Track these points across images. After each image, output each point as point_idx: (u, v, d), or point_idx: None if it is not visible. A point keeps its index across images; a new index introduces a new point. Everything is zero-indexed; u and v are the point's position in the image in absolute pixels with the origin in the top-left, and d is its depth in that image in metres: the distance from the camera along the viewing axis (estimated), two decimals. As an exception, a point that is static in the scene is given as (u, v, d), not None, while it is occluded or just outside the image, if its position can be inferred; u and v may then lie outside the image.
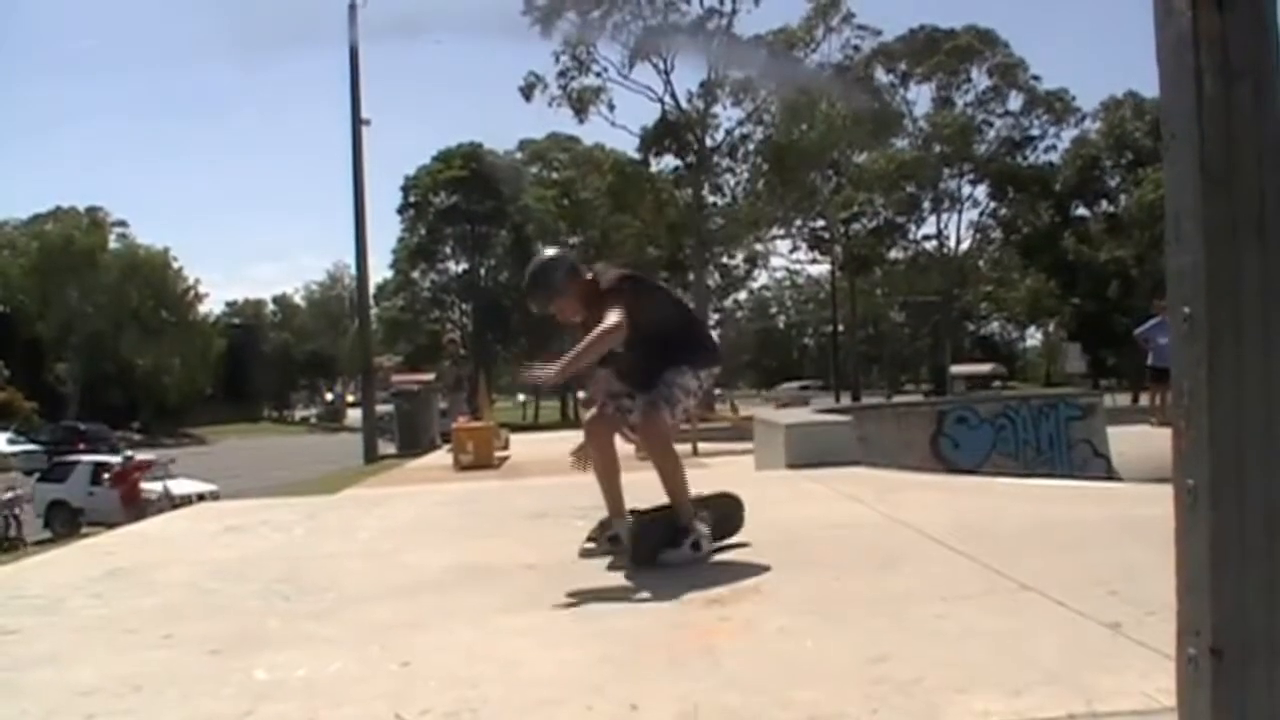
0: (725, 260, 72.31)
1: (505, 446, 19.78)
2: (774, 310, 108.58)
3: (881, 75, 67.16)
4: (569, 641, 4.10)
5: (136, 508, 22.40)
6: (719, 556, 5.65)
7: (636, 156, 59.94)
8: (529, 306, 5.99)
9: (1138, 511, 6.30)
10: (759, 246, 71.70)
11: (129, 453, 25.17)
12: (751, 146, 59.95)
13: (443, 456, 19.70)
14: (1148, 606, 3.82)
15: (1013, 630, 3.91)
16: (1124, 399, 52.58)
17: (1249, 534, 1.84)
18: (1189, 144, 1.80)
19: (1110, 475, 15.14)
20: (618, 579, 5.31)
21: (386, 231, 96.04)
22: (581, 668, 3.71)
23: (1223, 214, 1.78)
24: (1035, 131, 70.82)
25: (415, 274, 76.08)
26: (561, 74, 56.50)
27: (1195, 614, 1.88)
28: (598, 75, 56.69)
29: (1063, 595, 4.29)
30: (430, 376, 31.83)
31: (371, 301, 50.25)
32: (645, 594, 4.87)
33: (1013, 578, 4.70)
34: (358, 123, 35.08)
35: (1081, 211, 72.32)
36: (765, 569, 5.22)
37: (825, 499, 8.03)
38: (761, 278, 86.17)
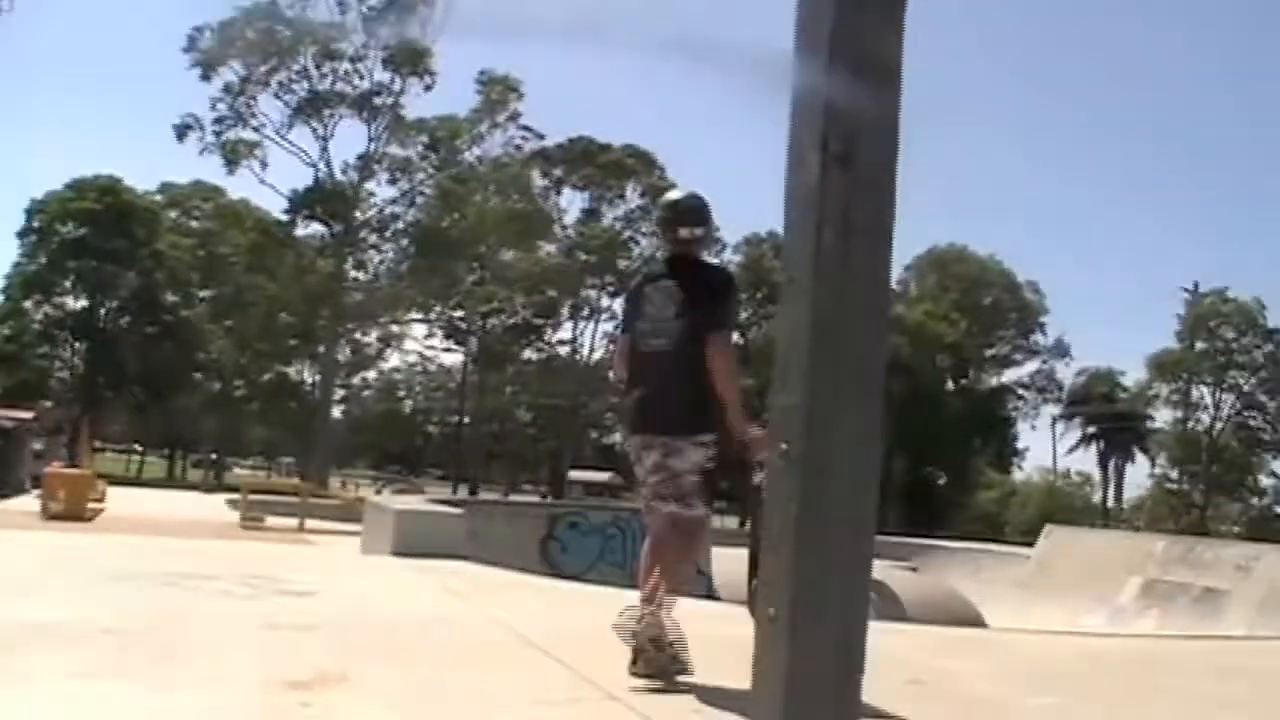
0: (359, 336, 71.01)
1: (101, 499, 18.66)
2: (402, 394, 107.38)
3: (538, 178, 68.35)
4: (139, 713, 3.86)
5: None
6: (308, 639, 5.47)
7: (283, 218, 58.54)
8: (679, 231, 5.55)
9: (731, 632, 6.51)
10: (395, 328, 71.03)
11: None
12: (401, 226, 59.76)
13: (31, 502, 18.37)
14: (725, 725, 3.94)
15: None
16: (733, 521, 54.75)
17: (823, 666, 1.91)
18: (804, 290, 1.90)
19: (710, 594, 15.63)
20: (201, 650, 5.06)
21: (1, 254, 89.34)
22: (145, 747, 3.49)
23: (828, 360, 1.88)
24: (679, 255, 73.34)
25: (28, 304, 70.91)
26: (218, 121, 54.80)
27: (766, 739, 1.93)
28: (255, 130, 55.32)
29: (648, 709, 4.38)
30: (29, 415, 29.68)
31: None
32: (226, 670, 4.65)
33: (602, 687, 4.76)
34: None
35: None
36: (357, 657, 5.08)
37: (428, 591, 7.95)
38: (393, 359, 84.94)
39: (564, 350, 75.29)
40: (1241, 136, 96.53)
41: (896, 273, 73.49)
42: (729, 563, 16.62)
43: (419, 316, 68.54)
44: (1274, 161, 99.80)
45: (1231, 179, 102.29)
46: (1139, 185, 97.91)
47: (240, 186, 63.37)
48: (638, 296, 5.58)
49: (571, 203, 72.39)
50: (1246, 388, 67.01)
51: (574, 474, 71.44)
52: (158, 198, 73.97)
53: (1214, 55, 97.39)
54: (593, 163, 69.67)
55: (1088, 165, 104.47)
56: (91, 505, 16.92)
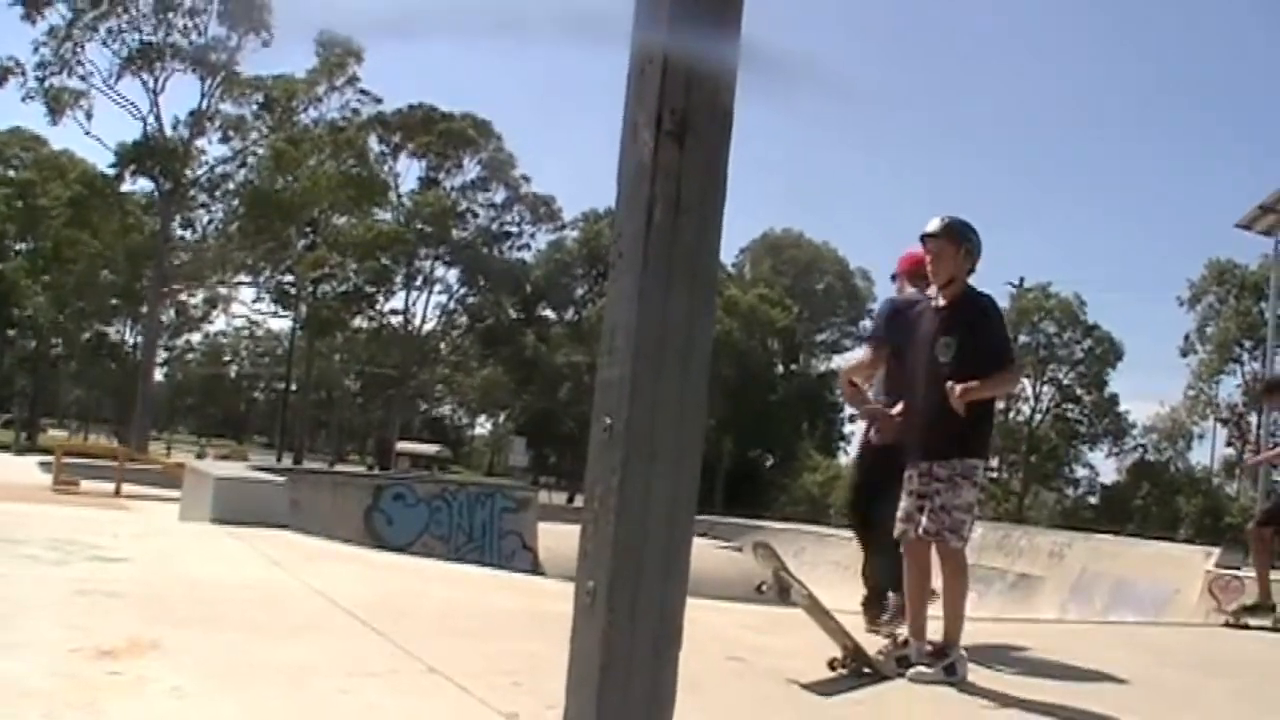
0: (184, 298, 68.82)
1: None
2: (228, 358, 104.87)
3: (375, 144, 67.26)
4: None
5: None
6: (119, 606, 5.31)
7: (109, 172, 56.31)
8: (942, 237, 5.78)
9: (553, 606, 6.52)
10: (222, 290, 69.08)
11: None
12: (232, 187, 58.13)
13: None
14: (548, 700, 3.94)
15: (413, 713, 3.92)
16: (560, 497, 54.95)
17: (639, 642, 1.91)
18: (633, 265, 1.90)
19: (536, 569, 15.65)
20: (4, 616, 4.86)
21: None
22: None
23: (654, 335, 1.88)
24: (514, 228, 73.27)
25: None
26: (40, 66, 52.34)
27: (581, 713, 1.93)
28: (82, 79, 53.00)
29: (467, 682, 4.35)
30: None
31: None
32: (31, 637, 4.48)
33: (421, 659, 4.72)
34: None
35: (547, 313, 75.38)
36: (170, 625, 4.95)
37: (245, 559, 7.79)
38: (219, 322, 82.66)
39: (396, 320, 74.32)
40: (1071, 133, 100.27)
41: (732, 255, 74.86)
42: (554, 539, 16.69)
43: (247, 280, 66.72)
44: (1098, 161, 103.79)
45: (1057, 176, 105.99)
46: (970, 179, 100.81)
47: (64, 137, 60.59)
48: None
49: (409, 170, 71.62)
50: (1065, 381, 69.25)
51: (401, 445, 70.81)
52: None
53: (1049, 51, 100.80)
54: (432, 130, 68.89)
55: (920, 157, 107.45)
56: None
